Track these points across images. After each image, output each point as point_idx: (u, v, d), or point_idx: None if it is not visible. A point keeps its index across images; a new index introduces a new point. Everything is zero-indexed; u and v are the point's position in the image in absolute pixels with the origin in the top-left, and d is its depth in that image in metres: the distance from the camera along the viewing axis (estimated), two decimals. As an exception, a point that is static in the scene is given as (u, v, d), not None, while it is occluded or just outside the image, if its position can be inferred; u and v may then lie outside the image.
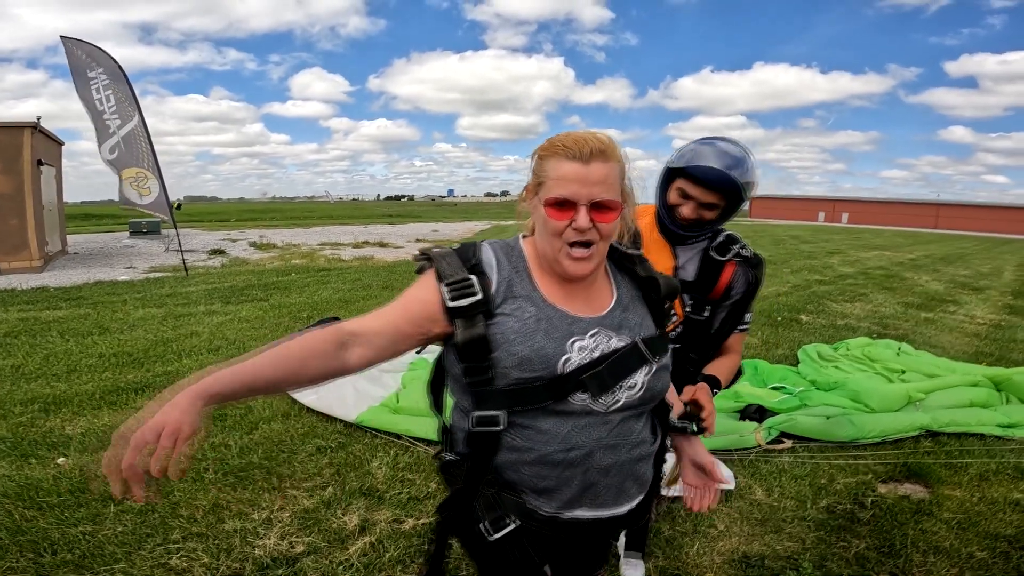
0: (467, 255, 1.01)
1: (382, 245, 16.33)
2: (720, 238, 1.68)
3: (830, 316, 7.07)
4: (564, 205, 0.95)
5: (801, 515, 2.52)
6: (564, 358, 0.96)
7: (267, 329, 5.74)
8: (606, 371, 0.98)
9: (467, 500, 1.04)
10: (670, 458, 1.26)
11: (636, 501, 1.09)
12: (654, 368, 1.03)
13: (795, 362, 4.91)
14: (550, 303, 1.00)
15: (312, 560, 2.16)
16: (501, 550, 1.04)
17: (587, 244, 0.97)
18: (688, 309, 1.70)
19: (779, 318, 6.73)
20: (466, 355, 0.96)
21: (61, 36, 9.63)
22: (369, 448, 3.09)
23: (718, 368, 1.67)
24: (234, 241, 17.31)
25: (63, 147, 13.14)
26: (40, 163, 10.54)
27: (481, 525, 1.03)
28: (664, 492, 1.25)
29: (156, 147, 9.81)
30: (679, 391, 1.36)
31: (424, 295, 0.98)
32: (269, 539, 2.28)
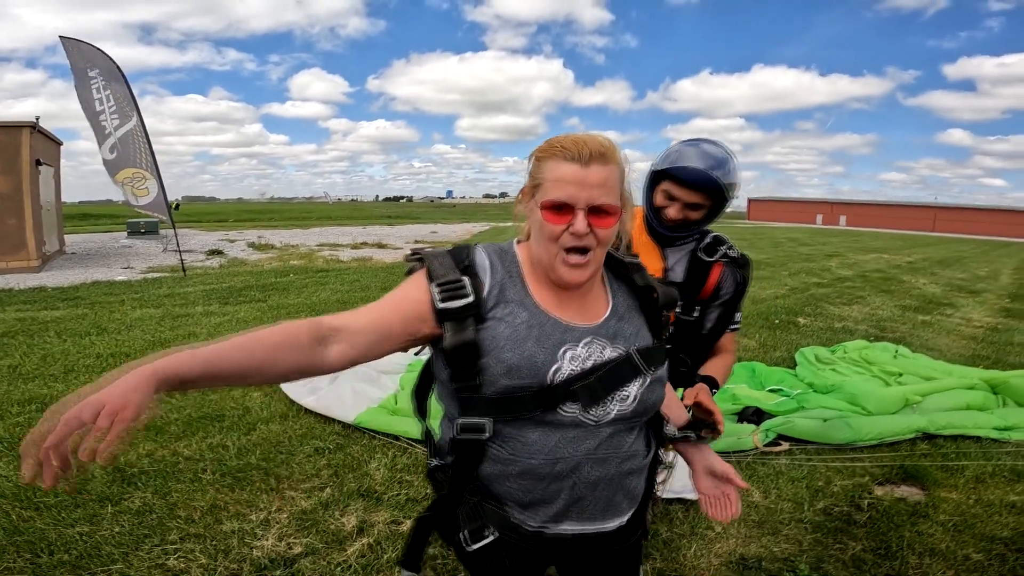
0: (461, 256, 0.98)
1: (381, 246, 16.33)
2: (707, 239, 1.71)
3: (828, 319, 7.08)
4: (561, 209, 0.92)
5: (798, 517, 2.53)
6: (554, 367, 0.93)
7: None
8: (597, 382, 0.94)
9: (450, 507, 1.02)
10: (680, 464, 1.24)
11: (626, 517, 1.04)
12: (648, 380, 0.99)
13: (793, 365, 4.92)
14: (543, 310, 0.97)
15: (310, 561, 2.16)
16: (480, 561, 1.02)
17: (584, 250, 0.94)
18: (678, 310, 1.72)
19: (777, 321, 6.75)
20: (454, 360, 0.92)
21: (60, 36, 9.63)
22: (367, 449, 3.09)
23: (714, 368, 1.69)
24: (232, 242, 17.31)
25: (61, 147, 13.13)
26: (38, 163, 10.53)
27: (461, 534, 1.00)
28: (660, 494, 1.24)
29: (155, 147, 9.81)
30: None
31: (415, 294, 0.94)
32: (267, 540, 2.28)
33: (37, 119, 10.40)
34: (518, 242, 1.05)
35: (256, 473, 2.81)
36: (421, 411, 1.13)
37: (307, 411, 3.56)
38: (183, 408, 3.59)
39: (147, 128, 9.68)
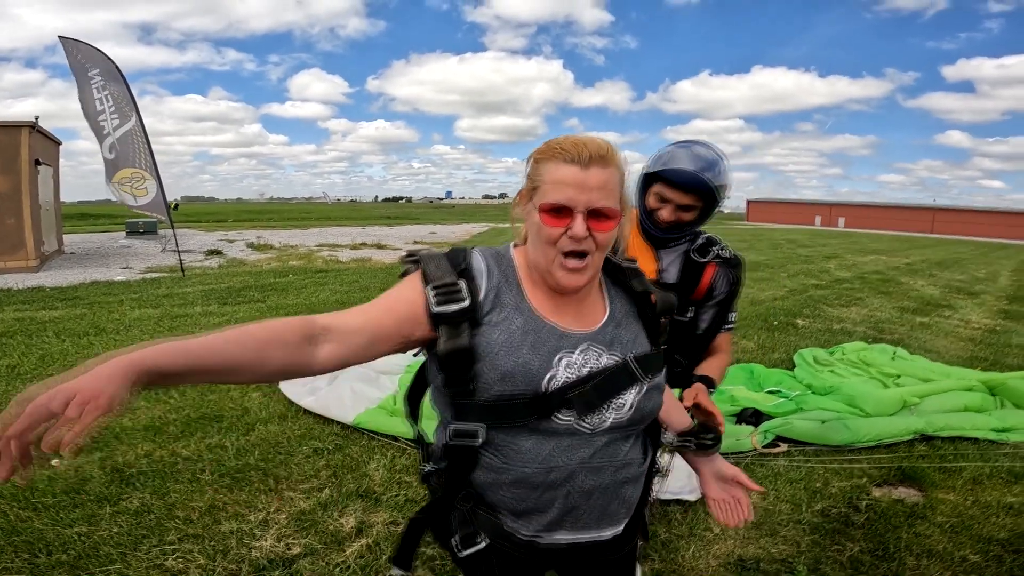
0: (457, 259, 0.95)
1: (380, 247, 16.33)
2: (700, 240, 1.74)
3: (826, 320, 7.09)
4: (560, 212, 0.90)
5: (796, 518, 2.53)
6: (549, 375, 0.91)
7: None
8: (593, 390, 0.92)
9: (443, 512, 1.01)
10: (678, 464, 1.23)
11: (622, 525, 1.02)
12: (645, 388, 0.97)
13: (791, 366, 4.93)
14: (539, 316, 0.95)
15: (309, 562, 2.16)
16: (471, 567, 1.01)
17: (582, 254, 0.91)
18: None
19: (775, 322, 6.76)
20: (448, 365, 0.90)
21: (59, 36, 9.63)
22: (366, 450, 3.09)
23: (710, 368, 1.72)
24: (231, 242, 17.30)
25: (60, 146, 13.12)
26: (37, 163, 10.52)
27: (453, 539, 0.99)
28: (655, 496, 1.24)
29: (154, 147, 9.81)
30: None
31: (410, 295, 0.92)
32: (266, 541, 2.28)
33: (36, 119, 10.39)
34: (515, 246, 1.04)
35: (255, 474, 2.81)
36: (413, 415, 1.11)
37: (306, 412, 3.56)
38: (182, 409, 3.59)
39: (146, 128, 9.68)
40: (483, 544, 0.98)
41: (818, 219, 61.87)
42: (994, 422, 3.50)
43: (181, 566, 2.11)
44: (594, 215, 0.90)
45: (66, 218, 18.74)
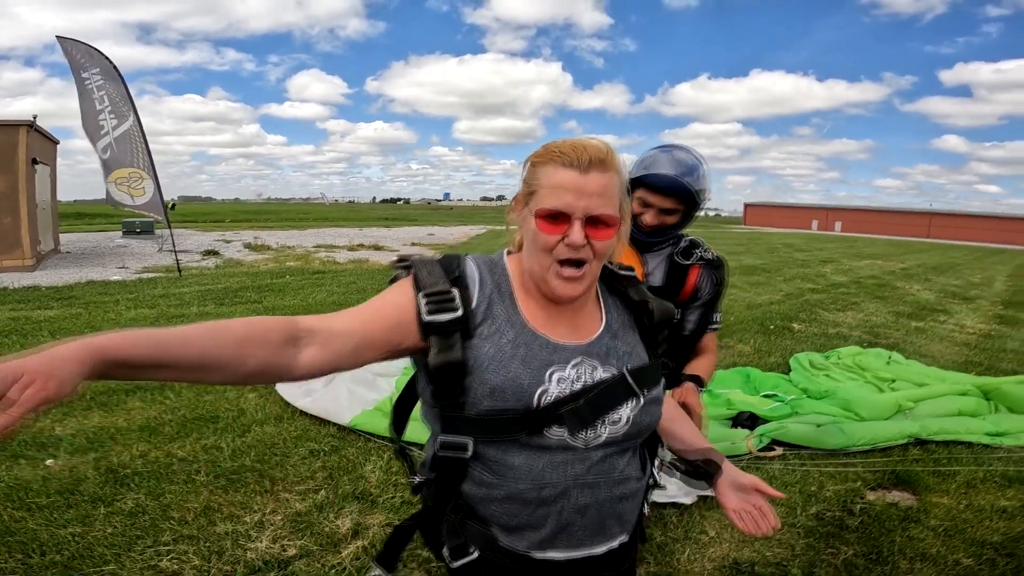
0: (451, 266, 0.91)
1: (377, 248, 16.32)
2: (683, 243, 1.79)
3: (822, 325, 7.12)
4: (557, 218, 0.86)
5: (791, 522, 2.54)
6: (540, 390, 0.87)
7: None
8: (586, 406, 0.88)
9: (434, 522, 0.98)
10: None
11: (616, 541, 0.97)
12: (642, 402, 0.93)
13: (787, 370, 4.95)
14: (531, 328, 0.91)
15: (304, 563, 2.16)
16: None
17: (579, 263, 0.88)
18: None
19: (772, 326, 6.78)
20: (437, 378, 0.86)
21: (57, 36, 9.62)
22: (362, 452, 3.09)
23: (698, 367, 1.76)
24: (228, 242, 17.26)
25: (58, 145, 13.08)
26: (35, 162, 10.49)
27: (444, 550, 0.97)
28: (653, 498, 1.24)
29: (152, 147, 9.79)
30: None
31: (400, 300, 0.88)
32: (261, 542, 2.28)
33: (35, 118, 10.37)
34: (508, 253, 1.00)
35: (250, 475, 2.81)
36: (398, 427, 1.07)
37: (302, 413, 3.55)
38: (177, 409, 3.58)
39: (144, 128, 9.67)
40: (474, 555, 0.94)
41: (815, 223, 62.11)
42: (988, 426, 3.52)
43: (176, 567, 2.11)
44: (592, 222, 0.86)
45: (63, 217, 18.69)
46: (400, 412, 1.08)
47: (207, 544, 2.24)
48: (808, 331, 6.68)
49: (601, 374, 0.91)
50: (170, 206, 15.34)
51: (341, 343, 0.83)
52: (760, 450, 3.20)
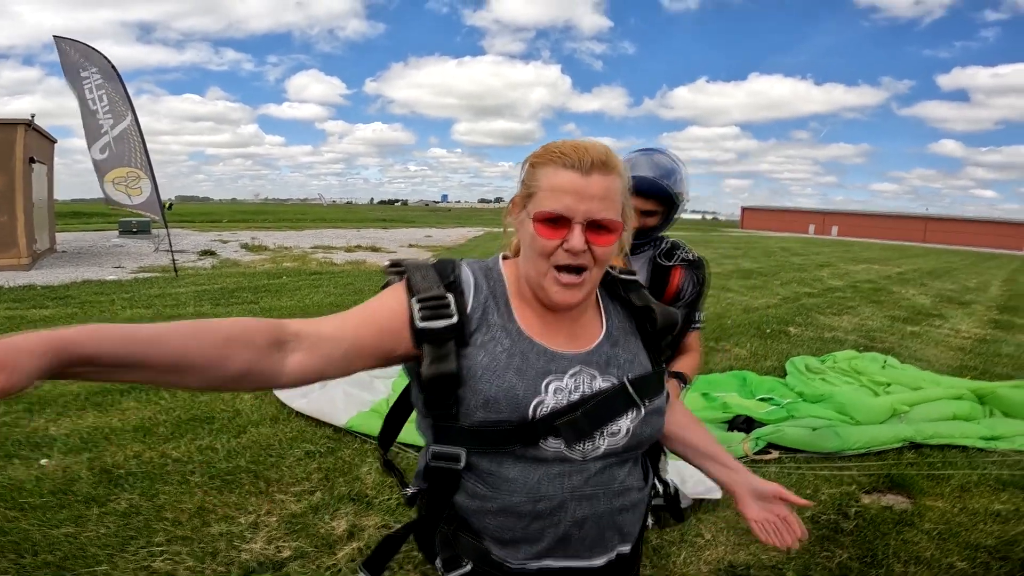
0: (445, 271, 0.87)
1: (375, 249, 16.31)
2: (665, 245, 1.82)
3: (818, 329, 7.14)
4: (556, 222, 0.82)
5: (786, 525, 2.54)
6: (536, 400, 0.83)
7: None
8: (583, 417, 0.84)
9: (427, 532, 0.95)
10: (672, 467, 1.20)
11: (615, 553, 0.92)
12: (643, 412, 0.89)
13: (783, 374, 4.96)
14: (527, 336, 0.87)
15: (299, 565, 2.15)
16: None
17: (579, 270, 0.84)
18: None
19: (768, 330, 6.79)
20: (430, 388, 0.82)
21: (54, 36, 9.60)
22: (358, 453, 3.09)
23: (683, 365, 1.78)
24: (225, 242, 17.22)
25: (55, 144, 13.05)
26: (32, 160, 10.46)
27: (437, 561, 0.93)
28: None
29: (149, 146, 9.78)
30: None
31: (393, 305, 0.84)
32: (256, 543, 2.27)
33: (32, 116, 10.34)
34: (504, 258, 0.96)
35: (245, 476, 2.80)
36: (386, 440, 1.04)
37: (298, 414, 3.54)
38: (172, 410, 3.57)
39: (142, 127, 9.66)
40: (467, 568, 0.90)
41: (812, 227, 62.34)
42: (982, 430, 3.54)
43: (169, 568, 2.10)
44: (593, 227, 0.82)
45: (59, 216, 18.62)
46: (391, 424, 1.04)
47: (201, 545, 2.23)
48: (804, 335, 6.70)
49: (601, 383, 0.88)
50: (167, 206, 15.31)
51: (330, 348, 0.79)
52: (756, 454, 3.21)
